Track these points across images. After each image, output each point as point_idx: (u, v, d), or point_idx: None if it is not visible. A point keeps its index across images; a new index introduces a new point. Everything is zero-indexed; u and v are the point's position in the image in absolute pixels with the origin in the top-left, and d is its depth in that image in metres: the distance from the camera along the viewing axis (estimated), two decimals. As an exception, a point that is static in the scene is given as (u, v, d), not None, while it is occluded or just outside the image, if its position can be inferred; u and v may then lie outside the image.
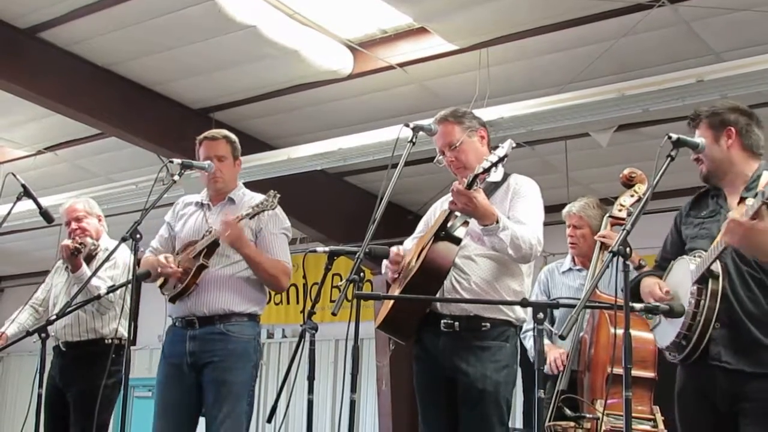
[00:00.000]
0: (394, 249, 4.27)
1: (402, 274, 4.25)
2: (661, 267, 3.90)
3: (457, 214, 4.06)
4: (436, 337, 4.15)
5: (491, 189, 4.18)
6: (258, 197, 4.92)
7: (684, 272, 3.62)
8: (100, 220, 5.98)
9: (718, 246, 3.45)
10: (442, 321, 4.11)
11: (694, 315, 3.50)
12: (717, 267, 3.50)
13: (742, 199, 3.62)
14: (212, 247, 4.80)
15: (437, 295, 4.08)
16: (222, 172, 4.99)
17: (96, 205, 6.07)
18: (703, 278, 3.51)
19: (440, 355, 4.14)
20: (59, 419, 5.66)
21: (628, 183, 5.08)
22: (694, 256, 3.63)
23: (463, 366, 4.07)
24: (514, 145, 3.93)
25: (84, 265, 5.52)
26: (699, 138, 3.69)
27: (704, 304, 3.49)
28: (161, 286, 4.95)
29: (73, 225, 5.83)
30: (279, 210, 4.91)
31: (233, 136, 5.10)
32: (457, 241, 4.09)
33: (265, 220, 4.89)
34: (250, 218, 4.75)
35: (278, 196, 4.76)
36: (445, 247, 4.07)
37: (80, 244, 5.59)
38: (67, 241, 5.59)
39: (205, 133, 5.08)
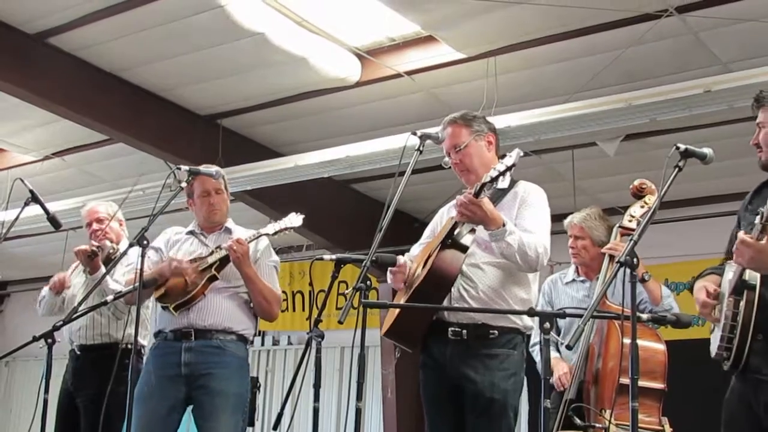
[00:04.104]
0: (400, 259, 4.27)
1: (408, 282, 4.25)
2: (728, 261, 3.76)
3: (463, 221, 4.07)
4: (443, 345, 4.15)
5: (498, 196, 4.19)
6: (248, 232, 5.05)
7: (727, 280, 3.52)
8: (121, 225, 6.03)
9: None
10: (449, 329, 4.11)
11: (732, 328, 3.40)
12: (754, 275, 3.37)
13: None
14: (224, 262, 4.88)
15: (444, 303, 4.09)
16: (220, 204, 5.11)
17: (118, 209, 6.10)
18: (739, 288, 3.40)
19: (448, 363, 4.14)
20: (70, 424, 5.65)
21: (639, 194, 5.08)
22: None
23: (471, 374, 4.07)
24: (521, 154, 3.93)
25: (102, 267, 5.55)
26: (708, 149, 3.64)
27: (740, 316, 3.39)
28: (159, 298, 4.95)
29: (95, 226, 5.88)
30: (269, 244, 5.10)
31: (223, 172, 5.17)
32: (464, 249, 4.08)
33: (261, 251, 5.04)
34: (273, 234, 4.94)
35: (302, 216, 4.86)
36: (451, 255, 4.07)
37: (97, 247, 5.61)
38: (83, 246, 5.61)
39: (201, 170, 4.96)
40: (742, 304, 3.41)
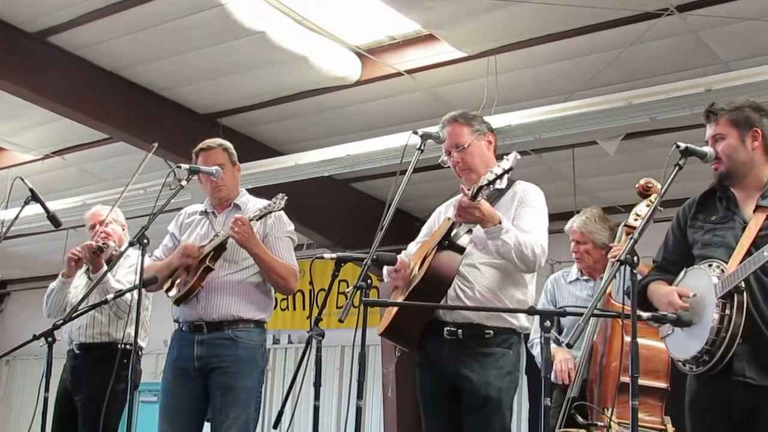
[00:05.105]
0: (400, 256, 4.28)
1: (405, 282, 4.25)
2: (665, 269, 3.82)
3: (461, 222, 4.07)
4: (439, 345, 4.16)
5: (496, 196, 4.19)
6: (263, 202, 4.97)
7: (705, 284, 3.52)
8: (123, 229, 6.06)
9: (755, 261, 3.34)
10: (445, 329, 4.12)
11: (718, 331, 3.41)
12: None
13: (758, 207, 3.56)
14: (219, 251, 4.82)
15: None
16: (223, 180, 5.02)
17: (121, 213, 6.14)
18: (729, 293, 3.42)
19: (443, 362, 4.15)
20: (68, 422, 5.67)
21: (644, 193, 5.07)
22: (710, 266, 3.55)
23: (466, 372, 4.08)
24: (519, 157, 3.93)
25: (105, 266, 5.57)
26: (708, 148, 3.65)
27: (729, 320, 3.40)
28: (167, 290, 4.97)
29: (98, 228, 5.89)
30: (282, 214, 4.97)
31: (228, 143, 5.13)
32: (460, 250, 4.09)
33: (270, 224, 4.93)
34: (258, 219, 4.79)
35: (285, 198, 4.79)
36: (448, 257, 4.07)
37: (104, 244, 5.65)
38: (91, 241, 5.64)
39: (200, 145, 5.09)
40: (730, 308, 3.43)
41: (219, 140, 5.13)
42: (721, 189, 3.74)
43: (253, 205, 5.03)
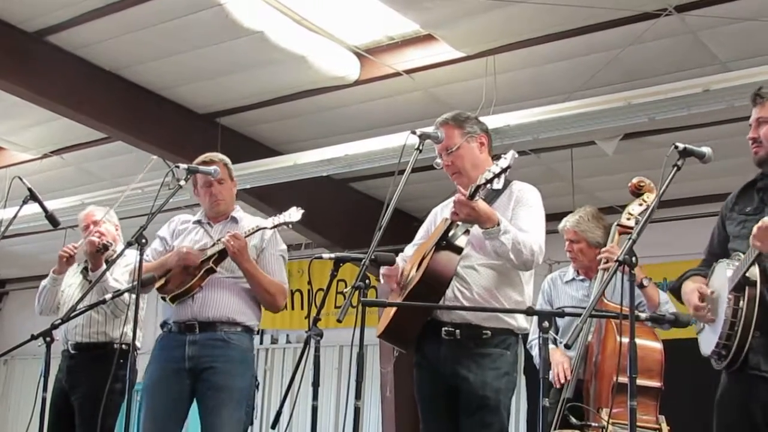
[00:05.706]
0: (397, 259, 4.27)
1: (401, 284, 4.25)
2: (708, 263, 3.81)
3: (459, 223, 4.07)
4: (436, 345, 4.15)
5: (493, 196, 4.18)
6: (255, 219, 5.06)
7: (723, 279, 3.54)
8: (117, 229, 6.08)
9: (751, 252, 3.36)
10: (443, 329, 4.12)
11: (732, 324, 3.42)
12: (754, 272, 3.41)
13: None
14: (223, 255, 4.85)
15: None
16: (223, 194, 5.08)
17: (114, 214, 6.17)
18: (740, 285, 3.43)
19: (441, 362, 4.14)
20: (64, 422, 5.67)
21: (637, 192, 5.08)
22: (732, 259, 3.56)
23: (463, 373, 4.08)
24: (516, 155, 3.92)
25: (104, 265, 5.57)
26: (707, 148, 3.64)
27: (742, 313, 3.41)
28: (160, 288, 4.96)
29: (92, 228, 5.89)
30: (277, 232, 5.03)
31: (227, 159, 5.18)
32: (458, 250, 4.09)
33: (267, 240, 5.00)
34: (271, 228, 4.88)
35: (302, 211, 4.84)
36: (446, 257, 4.07)
37: (108, 242, 5.67)
38: (94, 237, 5.63)
39: (201, 157, 5.11)
40: (743, 301, 3.42)
41: (219, 155, 5.17)
42: (762, 179, 3.73)
43: (248, 222, 5.08)
